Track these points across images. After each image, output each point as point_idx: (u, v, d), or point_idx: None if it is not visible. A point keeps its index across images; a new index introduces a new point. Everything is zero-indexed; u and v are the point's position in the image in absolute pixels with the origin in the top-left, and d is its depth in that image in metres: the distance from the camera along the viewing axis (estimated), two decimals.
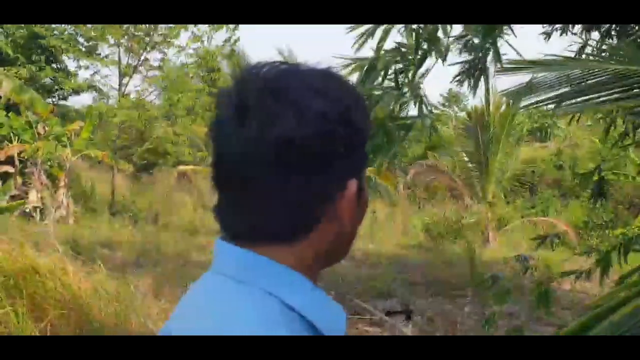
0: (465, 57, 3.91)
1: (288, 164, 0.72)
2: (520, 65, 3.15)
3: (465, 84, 3.96)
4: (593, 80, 2.78)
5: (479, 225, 13.33)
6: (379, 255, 10.67)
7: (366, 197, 0.83)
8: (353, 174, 0.78)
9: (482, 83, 4.18)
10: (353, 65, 3.77)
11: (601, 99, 2.72)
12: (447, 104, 36.91)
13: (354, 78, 3.75)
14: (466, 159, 14.29)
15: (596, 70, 2.80)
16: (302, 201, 0.74)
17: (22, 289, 4.63)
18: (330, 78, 0.80)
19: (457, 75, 3.93)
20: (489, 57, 3.74)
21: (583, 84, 2.84)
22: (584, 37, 4.38)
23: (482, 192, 13.95)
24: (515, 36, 3.59)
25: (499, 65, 3.56)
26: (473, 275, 8.65)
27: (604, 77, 2.75)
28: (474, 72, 3.84)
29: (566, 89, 2.92)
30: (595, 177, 4.25)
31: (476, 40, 3.75)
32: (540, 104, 3.50)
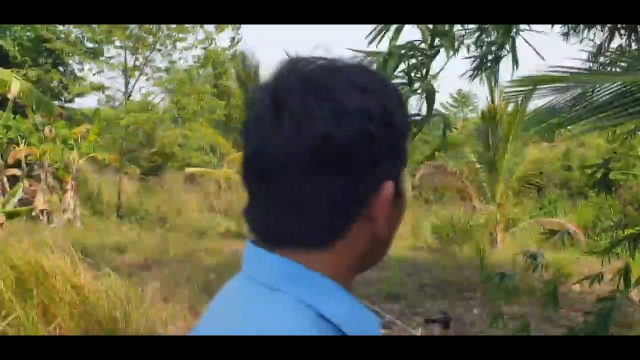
0: (478, 52, 3.85)
1: (324, 164, 0.69)
2: (530, 83, 3.12)
3: (477, 80, 3.91)
4: (607, 97, 2.75)
5: (487, 227, 13.28)
6: (387, 256, 10.61)
7: (404, 203, 0.80)
8: (390, 177, 0.74)
9: (487, 82, 4.15)
10: (366, 59, 3.71)
11: (616, 115, 2.68)
12: (456, 104, 36.84)
13: None
14: (474, 159, 14.26)
15: (608, 84, 2.77)
16: (337, 204, 0.71)
17: (33, 290, 4.63)
18: (372, 75, 0.76)
19: (471, 70, 3.85)
20: (501, 55, 3.70)
21: (597, 101, 2.81)
22: (595, 38, 4.35)
23: (491, 193, 13.91)
24: (540, 33, 3.53)
25: (514, 66, 3.52)
26: (482, 277, 8.62)
27: (618, 91, 2.72)
28: (490, 63, 3.76)
29: (580, 109, 2.89)
30: (600, 174, 4.17)
31: (492, 36, 3.68)
32: (558, 127, 3.45)
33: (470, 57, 3.71)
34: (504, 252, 11.48)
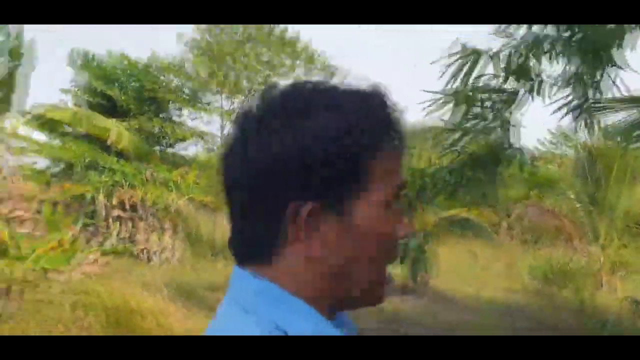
0: (567, 91, 3.69)
1: (264, 183, 0.74)
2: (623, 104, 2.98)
3: (571, 119, 3.74)
4: None
5: (591, 269, 12.51)
6: (480, 299, 10.23)
7: (357, 225, 0.76)
8: (322, 196, 0.74)
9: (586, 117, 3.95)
10: (442, 100, 3.67)
11: None
12: (555, 141, 35.35)
13: (446, 111, 3.66)
14: (573, 197, 13.57)
15: None
16: (272, 220, 0.75)
17: (122, 328, 4.80)
18: (339, 95, 0.78)
19: (561, 111, 3.67)
20: (594, 90, 3.53)
21: None
22: None
23: (593, 233, 13.13)
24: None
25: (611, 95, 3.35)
26: (584, 322, 8.12)
27: None
28: (579, 106, 3.61)
29: None
30: None
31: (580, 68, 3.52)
32: None
33: (561, 107, 3.54)
34: (609, 297, 10.77)
